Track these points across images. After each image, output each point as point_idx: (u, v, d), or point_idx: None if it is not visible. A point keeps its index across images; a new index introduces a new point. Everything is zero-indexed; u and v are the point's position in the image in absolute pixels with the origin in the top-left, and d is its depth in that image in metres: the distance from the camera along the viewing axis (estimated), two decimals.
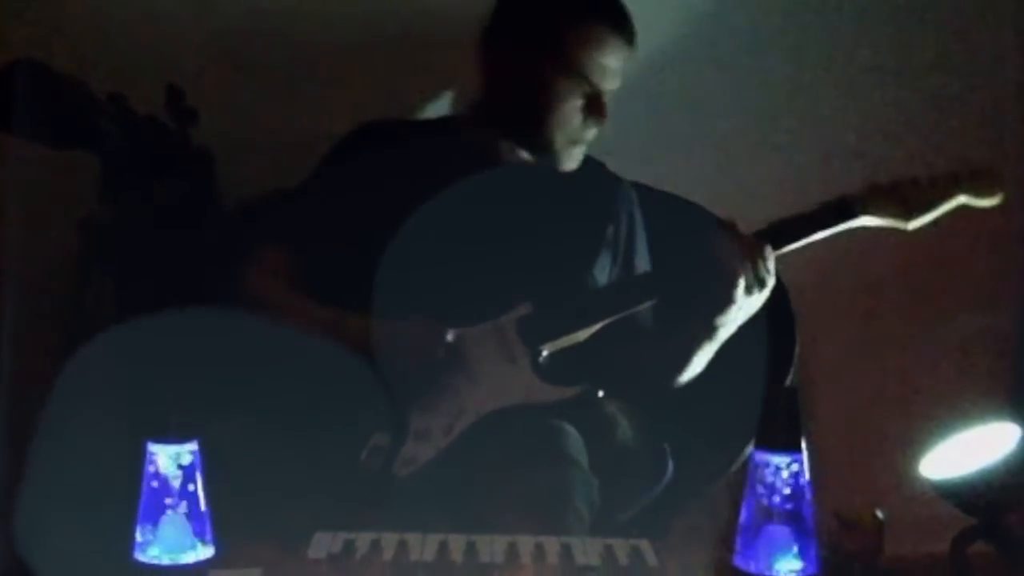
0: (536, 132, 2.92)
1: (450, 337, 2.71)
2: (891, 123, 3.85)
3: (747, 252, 2.68)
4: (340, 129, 3.05)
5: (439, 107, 3.54)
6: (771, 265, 2.71)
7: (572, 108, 2.86)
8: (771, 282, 2.72)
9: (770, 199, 3.35)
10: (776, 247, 2.74)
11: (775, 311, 3.11)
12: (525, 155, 2.98)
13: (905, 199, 2.76)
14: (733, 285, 2.66)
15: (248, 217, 3.26)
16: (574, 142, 2.93)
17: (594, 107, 2.86)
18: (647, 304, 2.84)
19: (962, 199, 2.76)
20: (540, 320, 2.77)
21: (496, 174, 2.95)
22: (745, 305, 2.72)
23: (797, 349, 3.13)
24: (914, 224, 2.76)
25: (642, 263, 3.07)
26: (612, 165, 3.12)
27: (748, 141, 3.82)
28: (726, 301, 2.69)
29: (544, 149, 2.94)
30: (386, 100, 3.46)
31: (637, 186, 3.14)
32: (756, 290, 2.70)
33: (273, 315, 2.85)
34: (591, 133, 2.92)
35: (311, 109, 3.46)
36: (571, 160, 2.97)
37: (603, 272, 2.99)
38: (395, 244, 2.85)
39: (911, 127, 3.85)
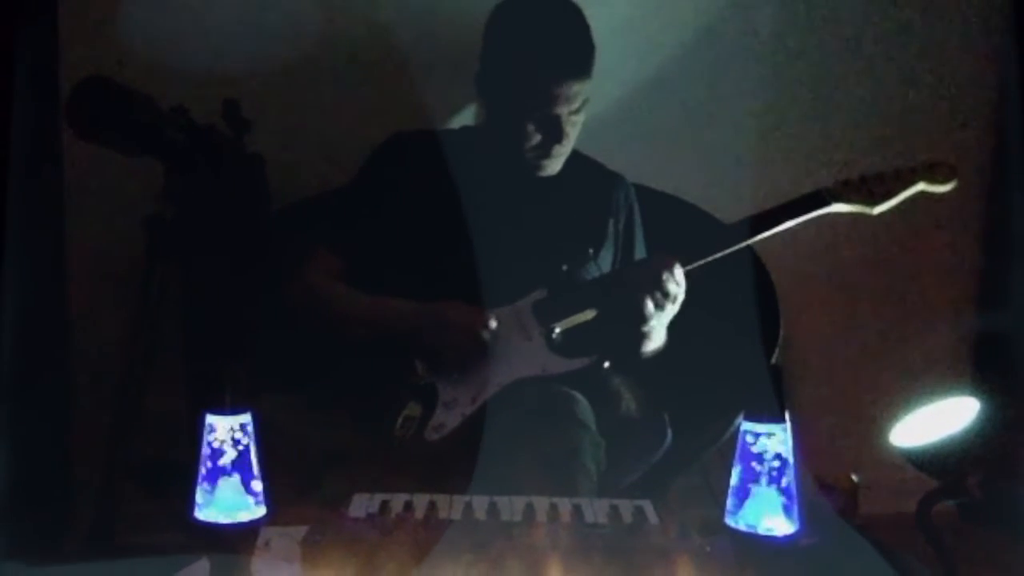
0: (509, 149, 2.93)
1: (493, 323, 2.75)
2: (861, 133, 3.86)
3: (652, 281, 2.74)
4: (376, 138, 3.06)
5: (463, 118, 3.54)
6: (679, 279, 2.77)
7: (532, 131, 2.87)
8: (680, 293, 2.78)
9: (751, 196, 3.37)
10: (763, 231, 2.80)
11: (762, 299, 3.12)
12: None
13: (870, 190, 2.79)
14: (642, 308, 2.73)
15: (295, 215, 3.27)
16: (543, 156, 2.93)
17: (552, 130, 2.86)
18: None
19: (921, 186, 2.78)
20: (553, 303, 2.81)
21: (510, 177, 2.98)
22: (661, 316, 2.79)
23: (782, 332, 3.13)
24: (878, 209, 2.78)
25: (640, 252, 3.09)
26: (616, 165, 3.13)
27: (735, 147, 3.83)
28: (642, 319, 2.75)
29: (520, 161, 2.96)
30: (416, 112, 3.47)
31: (636, 185, 3.14)
32: (668, 304, 2.76)
33: (328, 306, 2.89)
34: (559, 149, 2.92)
35: (351, 121, 3.47)
36: (549, 169, 2.98)
37: (607, 260, 3.01)
38: (425, 240, 2.87)
39: (880, 136, 3.86)
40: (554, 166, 2.98)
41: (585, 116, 2.92)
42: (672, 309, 2.79)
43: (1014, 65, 3.89)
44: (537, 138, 2.88)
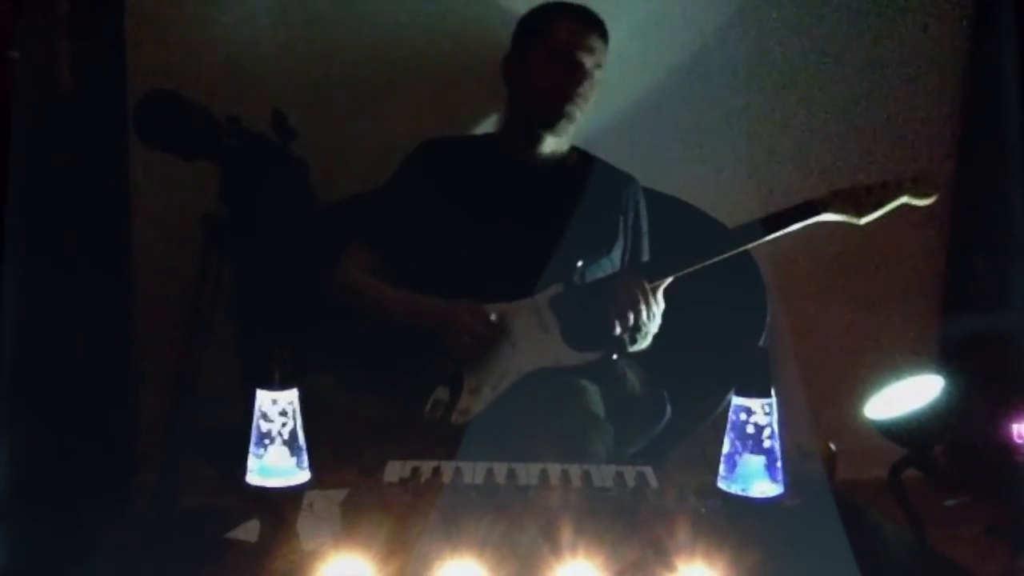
0: (540, 104, 2.97)
1: (493, 318, 2.74)
2: (849, 147, 3.87)
3: (620, 303, 2.74)
4: (408, 145, 3.07)
5: (486, 126, 3.55)
6: (658, 298, 2.78)
7: (559, 72, 2.92)
8: (657, 310, 2.79)
9: (745, 201, 3.36)
10: (760, 237, 2.77)
11: (751, 288, 3.12)
12: (545, 150, 3.03)
13: (859, 201, 2.76)
14: (610, 327, 2.74)
15: (336, 215, 3.28)
16: (566, 101, 2.95)
17: (575, 71, 2.91)
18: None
19: (905, 199, 2.76)
20: (569, 298, 2.79)
21: (530, 180, 2.98)
22: (635, 333, 2.79)
23: (768, 318, 3.12)
24: (866, 219, 2.76)
25: (645, 249, 3.08)
26: (625, 168, 3.14)
27: (731, 155, 3.83)
28: (611, 329, 2.75)
29: (545, 122, 2.98)
30: (444, 121, 3.47)
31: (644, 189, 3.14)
32: (639, 331, 2.78)
33: (360, 298, 2.90)
34: (579, 99, 2.95)
35: (386, 129, 3.47)
36: (563, 129, 3.00)
37: (617, 256, 3.00)
38: (453, 237, 2.87)
39: (864, 148, 3.87)
40: (567, 126, 2.99)
41: (597, 91, 2.99)
42: (647, 328, 2.80)
43: (981, 76, 3.90)
44: (562, 80, 2.92)
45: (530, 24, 3.02)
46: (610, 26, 2.96)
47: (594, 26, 2.94)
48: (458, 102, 3.55)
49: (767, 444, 1.93)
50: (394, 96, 3.55)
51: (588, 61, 2.92)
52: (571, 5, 2.99)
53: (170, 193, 3.39)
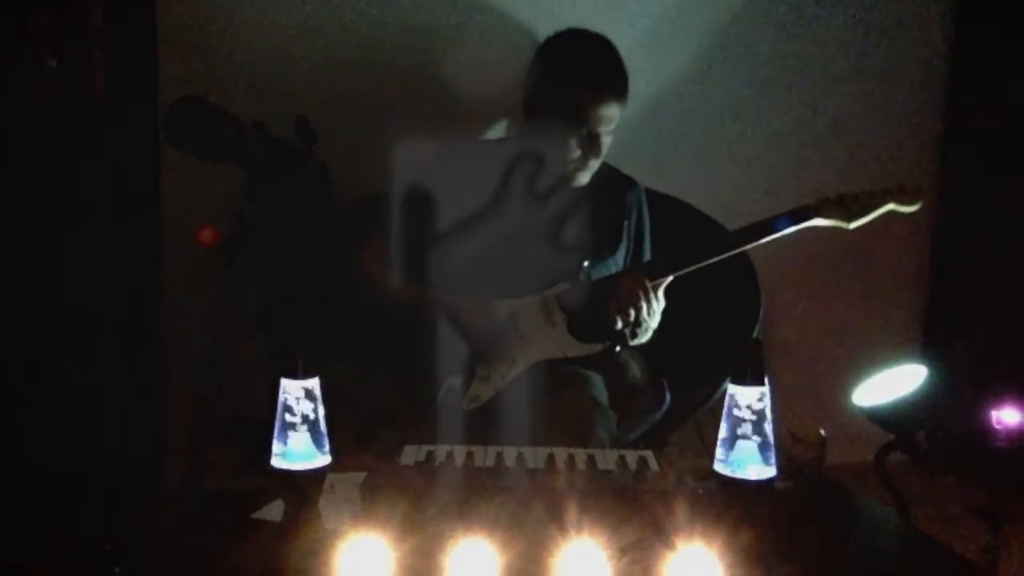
0: (553, 163, 2.93)
1: (503, 315, 2.76)
2: (842, 151, 3.89)
3: (619, 300, 2.75)
4: (423, 148, 3.07)
5: (498, 130, 3.57)
6: (659, 295, 2.78)
7: (574, 146, 2.86)
8: (657, 307, 2.78)
9: (742, 203, 3.37)
10: (753, 241, 2.78)
11: (746, 283, 3.13)
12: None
13: (848, 207, 2.76)
14: (613, 322, 2.74)
15: (355, 215, 3.28)
16: (580, 169, 2.92)
17: (592, 146, 2.86)
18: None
19: (891, 206, 2.77)
20: (575, 294, 2.80)
21: (540, 181, 2.97)
22: (635, 328, 2.78)
23: (762, 311, 3.13)
24: (855, 224, 2.76)
25: (647, 250, 3.08)
26: (628, 170, 3.15)
27: (729, 159, 3.85)
28: (612, 325, 2.75)
29: (560, 173, 2.95)
30: (456, 126, 3.49)
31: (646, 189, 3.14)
32: (640, 325, 2.78)
33: (375, 289, 2.89)
34: (593, 163, 2.92)
35: (403, 134, 3.48)
36: (581, 180, 2.97)
37: (621, 256, 3.00)
38: (464, 236, 2.88)
39: (856, 152, 3.89)
40: (586, 177, 2.97)
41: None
42: (648, 324, 2.80)
43: (955, 91, 3.91)
44: (578, 153, 2.87)
45: (549, 84, 2.91)
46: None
47: (618, 93, 2.86)
48: (470, 108, 3.56)
49: (760, 429, 1.94)
50: (410, 103, 3.56)
51: (607, 128, 2.87)
52: (596, 64, 2.90)
53: (198, 194, 3.41)
